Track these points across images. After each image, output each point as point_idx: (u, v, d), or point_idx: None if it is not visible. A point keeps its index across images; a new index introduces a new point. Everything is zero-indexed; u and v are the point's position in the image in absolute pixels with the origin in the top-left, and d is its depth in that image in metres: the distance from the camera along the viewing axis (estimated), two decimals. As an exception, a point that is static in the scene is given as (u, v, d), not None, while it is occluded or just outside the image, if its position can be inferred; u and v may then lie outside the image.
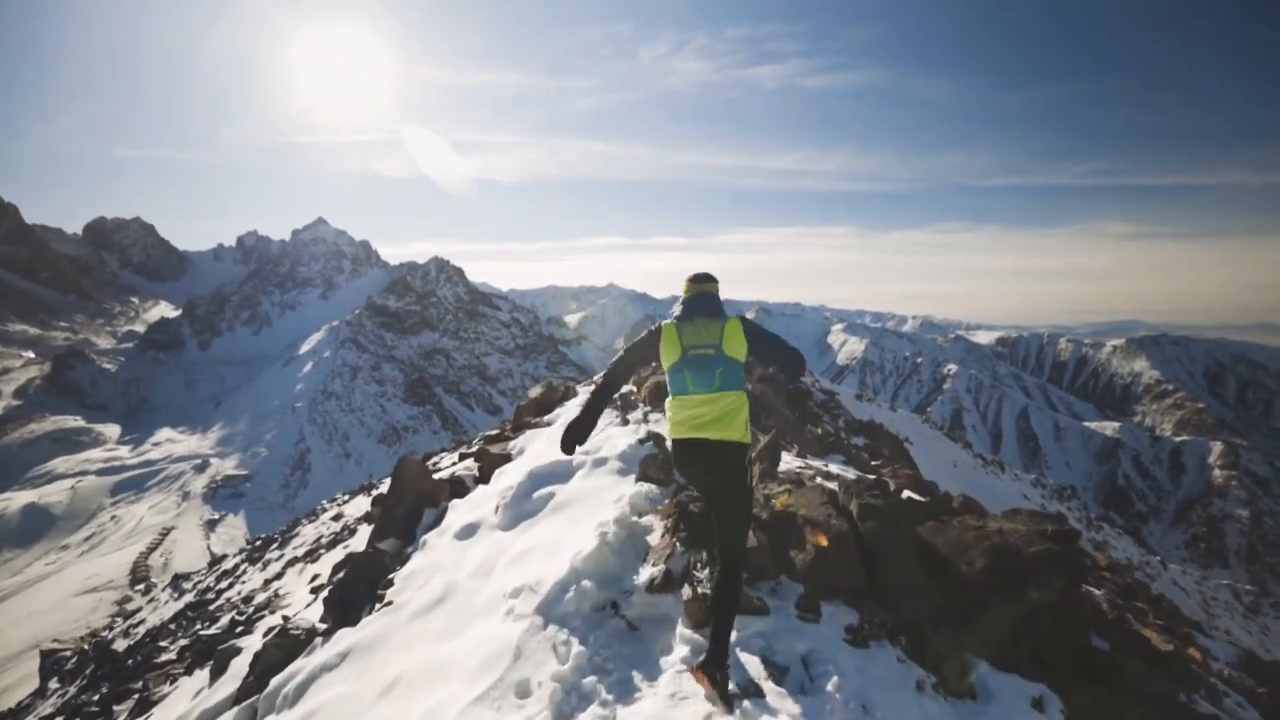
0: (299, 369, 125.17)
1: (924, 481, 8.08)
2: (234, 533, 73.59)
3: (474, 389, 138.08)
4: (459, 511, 6.42)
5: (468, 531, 5.55)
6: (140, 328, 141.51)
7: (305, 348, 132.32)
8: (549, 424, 9.60)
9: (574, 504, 4.99)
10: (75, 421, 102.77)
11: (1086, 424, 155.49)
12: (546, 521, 4.91)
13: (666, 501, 4.45)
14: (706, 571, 3.45)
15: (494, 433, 10.86)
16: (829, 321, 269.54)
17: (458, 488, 7.94)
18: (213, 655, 6.87)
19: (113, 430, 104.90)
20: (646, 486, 4.68)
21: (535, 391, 11.65)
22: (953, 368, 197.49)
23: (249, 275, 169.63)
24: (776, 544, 3.61)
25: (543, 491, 5.44)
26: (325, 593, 5.79)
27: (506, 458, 8.37)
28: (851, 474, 6.18)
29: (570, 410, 9.58)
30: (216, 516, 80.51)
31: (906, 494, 5.18)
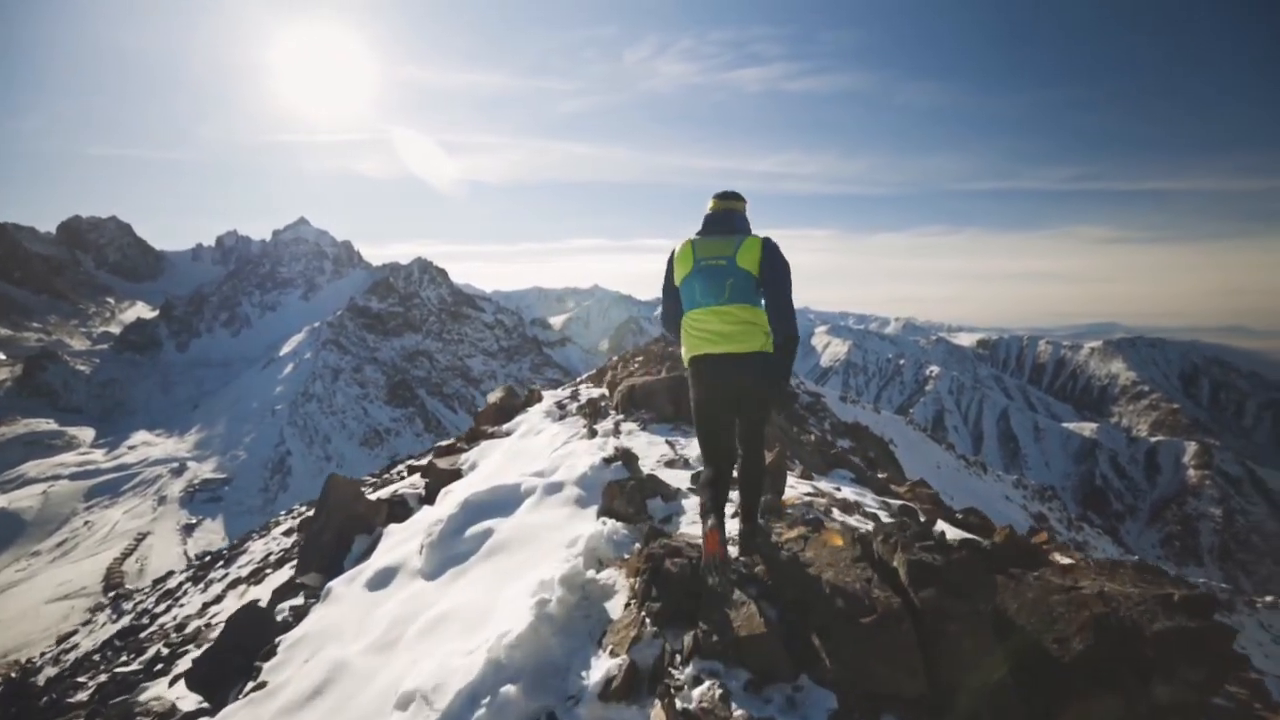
0: (279, 371, 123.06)
1: (945, 505, 7.11)
2: (212, 537, 71.91)
3: (457, 391, 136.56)
4: (393, 540, 5.35)
5: (383, 578, 4.44)
6: (116, 329, 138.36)
7: (286, 349, 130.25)
8: (508, 434, 8.55)
9: (515, 546, 3.93)
10: (48, 424, 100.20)
11: (1065, 425, 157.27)
12: (478, 570, 3.85)
13: (636, 547, 3.43)
14: (689, 670, 2.47)
15: (446, 443, 9.64)
16: (813, 323, 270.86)
17: (398, 510, 6.85)
18: (111, 707, 5.65)
19: (87, 433, 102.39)
20: (610, 525, 3.62)
21: (494, 396, 10.50)
22: (935, 369, 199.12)
23: (228, 276, 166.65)
24: (792, 621, 2.54)
25: (479, 527, 4.33)
26: (191, 664, 4.76)
27: (456, 474, 7.30)
28: (869, 498, 5.10)
29: (534, 417, 8.64)
30: (194, 521, 78.70)
31: (943, 530, 4.13)
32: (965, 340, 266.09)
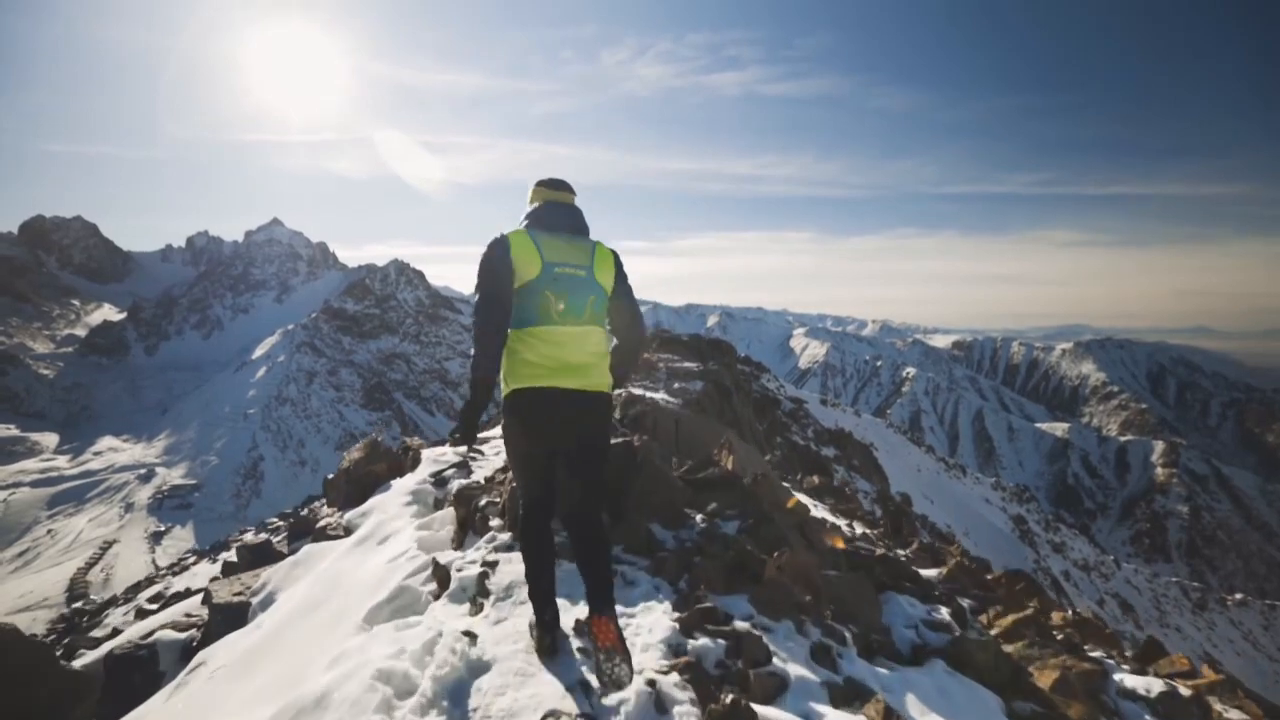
0: (252, 374, 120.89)
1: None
2: (181, 545, 70.38)
3: (435, 394, 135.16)
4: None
5: None
6: (81, 331, 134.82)
7: (259, 352, 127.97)
8: (348, 532, 5.24)
9: None
10: (8, 430, 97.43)
11: (1038, 425, 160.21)
12: None
13: None
14: None
15: (259, 539, 6.23)
16: (791, 326, 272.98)
17: (134, 678, 3.99)
18: None
19: (50, 439, 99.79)
20: None
21: (352, 455, 7.38)
22: (911, 371, 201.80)
23: (199, 277, 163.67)
24: None
25: None
26: None
27: (243, 610, 4.48)
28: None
29: (393, 503, 5.27)
30: (163, 528, 77.18)
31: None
32: (940, 342, 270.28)
